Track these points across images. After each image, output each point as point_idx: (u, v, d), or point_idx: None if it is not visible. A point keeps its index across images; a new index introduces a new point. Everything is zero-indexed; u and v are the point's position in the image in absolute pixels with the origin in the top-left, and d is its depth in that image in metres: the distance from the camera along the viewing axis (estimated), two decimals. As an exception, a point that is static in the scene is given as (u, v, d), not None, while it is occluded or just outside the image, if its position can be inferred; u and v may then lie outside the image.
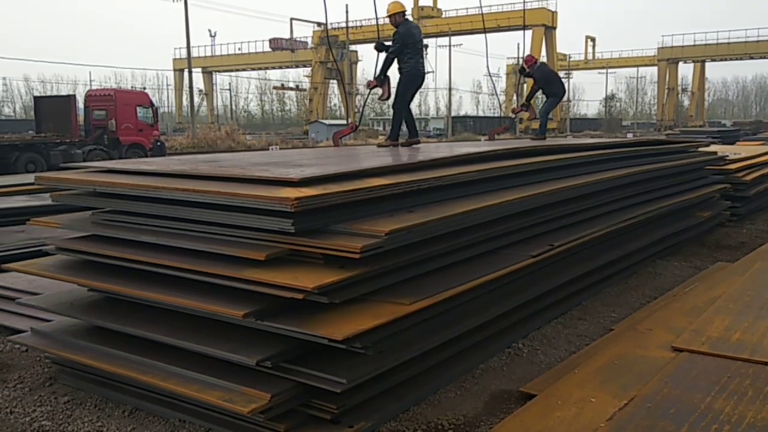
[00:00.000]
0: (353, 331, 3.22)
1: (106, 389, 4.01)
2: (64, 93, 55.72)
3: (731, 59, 65.87)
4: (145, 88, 62.18)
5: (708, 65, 70.51)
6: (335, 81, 58.02)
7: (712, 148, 11.92)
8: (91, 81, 70.66)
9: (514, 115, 11.74)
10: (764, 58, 64.07)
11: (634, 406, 3.53)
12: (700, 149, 10.44)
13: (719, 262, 7.51)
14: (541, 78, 10.67)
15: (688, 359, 4.20)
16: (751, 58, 64.10)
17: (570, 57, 73.13)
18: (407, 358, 3.74)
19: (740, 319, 4.92)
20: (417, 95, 8.12)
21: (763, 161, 12.31)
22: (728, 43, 62.37)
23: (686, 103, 76.08)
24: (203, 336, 3.61)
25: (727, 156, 10.99)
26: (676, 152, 9.26)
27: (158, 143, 25.95)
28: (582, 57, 75.31)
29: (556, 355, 4.69)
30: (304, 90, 65.45)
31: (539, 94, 10.91)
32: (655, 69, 71.24)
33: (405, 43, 7.24)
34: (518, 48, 65.56)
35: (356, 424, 3.44)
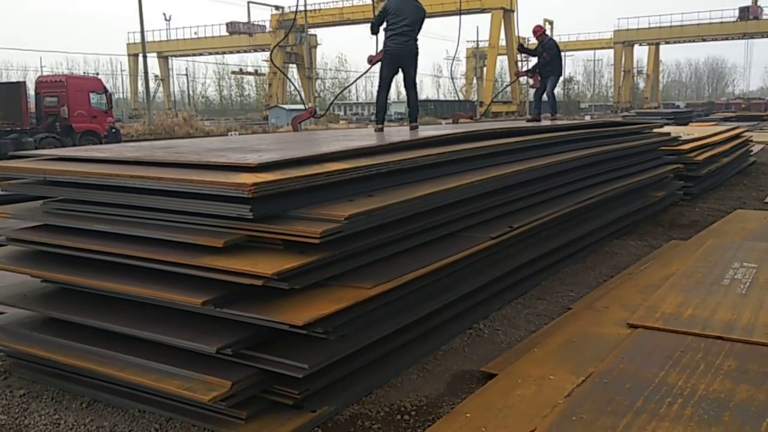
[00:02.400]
0: (314, 316, 3.22)
1: (62, 381, 3.93)
2: (13, 80, 54.05)
3: (685, 41, 67.17)
4: (98, 74, 60.66)
5: (662, 48, 71.85)
6: (295, 65, 57.37)
7: (666, 129, 12.19)
8: (41, 67, 68.80)
9: (516, 77, 11.38)
10: (716, 40, 65.54)
11: (591, 382, 3.61)
12: (655, 130, 10.66)
13: (673, 241, 7.70)
14: (551, 50, 10.21)
15: (643, 335, 4.31)
16: (704, 40, 65.47)
17: (529, 40, 73.67)
18: (369, 342, 3.75)
19: (692, 295, 5.06)
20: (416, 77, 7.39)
21: (715, 141, 12.62)
22: (681, 26, 63.55)
23: (642, 85, 77.45)
24: (162, 325, 3.56)
25: (681, 137, 11.24)
26: (632, 134, 9.43)
27: (113, 130, 25.36)
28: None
29: (516, 335, 4.76)
30: (263, 75, 64.59)
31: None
32: (611, 52, 72.23)
33: (384, 17, 7.02)
34: (477, 31, 65.78)
35: (319, 408, 3.45)
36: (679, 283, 5.42)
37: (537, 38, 10.37)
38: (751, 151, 16.20)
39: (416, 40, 7.14)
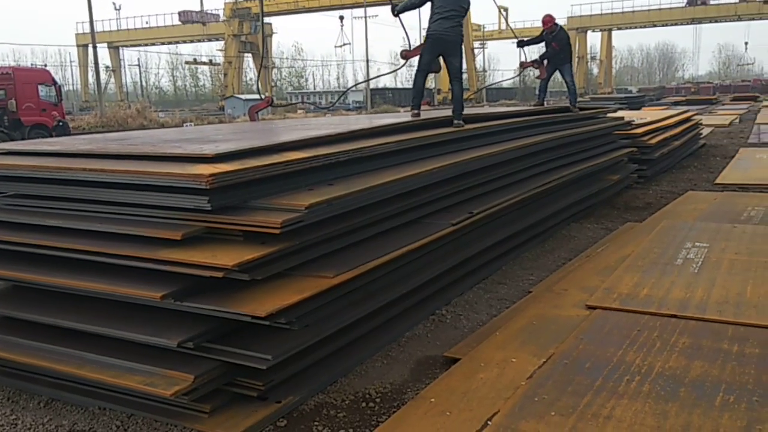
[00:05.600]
0: (276, 307, 3.20)
1: (18, 381, 3.82)
2: (-44, 72, 51.98)
3: (636, 27, 68.57)
4: (46, 66, 58.91)
5: (615, 34, 73.05)
6: (250, 54, 56.66)
7: (620, 113, 12.41)
8: (-14, 59, 66.29)
9: (521, 69, 10.91)
10: (666, 25, 66.98)
11: (552, 363, 3.68)
12: (609, 115, 10.85)
13: (628, 223, 7.86)
14: (563, 40, 9.92)
15: (601, 316, 4.40)
16: (654, 26, 66.92)
17: (484, 27, 74.17)
18: (333, 331, 3.75)
19: (648, 275, 5.19)
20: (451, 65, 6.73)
21: (667, 125, 12.91)
22: (633, 12, 64.82)
23: (595, 71, 78.69)
24: (121, 321, 3.49)
25: (634, 121, 11.47)
26: (587, 119, 9.59)
27: (60, 123, 24.66)
28: (496, 27, 76.42)
29: (478, 320, 4.81)
30: (218, 64, 63.65)
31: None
32: (565, 38, 73.00)
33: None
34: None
35: (284, 398, 3.44)
36: (634, 264, 5.54)
37: (547, 29, 9.94)
38: (701, 134, 16.61)
39: (461, 26, 6.74)
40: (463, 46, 6.90)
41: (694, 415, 3.05)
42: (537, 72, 10.55)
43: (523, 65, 10.84)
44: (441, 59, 6.76)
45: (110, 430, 3.35)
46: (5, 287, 4.12)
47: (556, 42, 9.95)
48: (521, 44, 10.52)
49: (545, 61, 10.22)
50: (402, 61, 7.18)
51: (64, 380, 3.60)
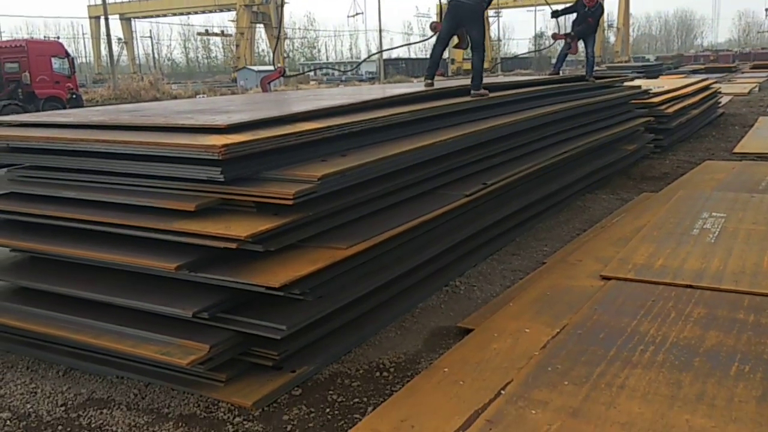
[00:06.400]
0: (290, 278, 3.21)
1: (37, 350, 3.88)
2: (-30, 45, 52.06)
3: (654, -6, 67.32)
4: (59, 38, 58.88)
5: (632, 0, 71.85)
6: (262, 25, 56.22)
7: (637, 82, 12.21)
8: (0, 32, 66.41)
9: (554, 41, 10.60)
10: (685, -8, 65.72)
11: (565, 333, 3.67)
12: (626, 84, 10.68)
13: (644, 193, 7.79)
14: (599, 16, 9.62)
15: (616, 286, 4.38)
16: (673, -8, 65.66)
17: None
18: (347, 302, 3.76)
19: (663, 245, 5.14)
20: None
21: (684, 93, 12.70)
22: (651, -22, 63.66)
23: (612, 39, 77.48)
24: (137, 291, 3.53)
25: (651, 90, 11.29)
26: (603, 87, 9.45)
27: (74, 96, 24.69)
28: (510, -5, 75.21)
29: (491, 291, 4.81)
30: (230, 35, 63.27)
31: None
32: (581, 6, 71.77)
33: None
34: (447, -13, 64.82)
35: (299, 368, 3.47)
36: (650, 234, 5.50)
37: (591, 5, 9.48)
38: (720, 102, 16.35)
39: None
40: (483, 18, 6.70)
41: (709, 384, 3.04)
42: (556, 43, 10.28)
43: (556, 37, 10.49)
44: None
45: (128, 398, 3.41)
46: (22, 258, 4.17)
47: (593, 17, 9.63)
48: (555, 14, 10.17)
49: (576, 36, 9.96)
50: (430, 33, 7.08)
51: (82, 350, 3.65)
